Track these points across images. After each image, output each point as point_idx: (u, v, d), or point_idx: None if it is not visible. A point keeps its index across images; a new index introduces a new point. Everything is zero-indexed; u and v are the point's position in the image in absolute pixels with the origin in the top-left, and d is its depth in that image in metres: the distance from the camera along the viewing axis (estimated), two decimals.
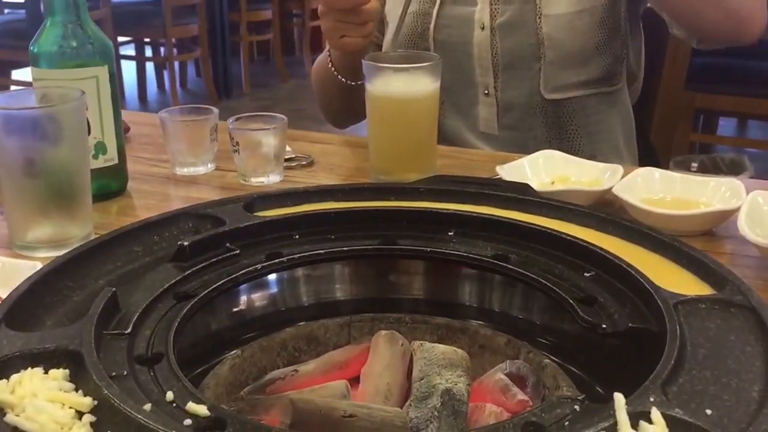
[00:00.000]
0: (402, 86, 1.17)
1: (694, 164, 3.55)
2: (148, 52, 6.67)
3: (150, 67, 6.73)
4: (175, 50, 6.18)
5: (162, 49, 6.51)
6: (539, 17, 1.49)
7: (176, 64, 6.33)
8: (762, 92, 3.34)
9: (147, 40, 6.57)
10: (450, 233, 0.92)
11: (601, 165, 1.21)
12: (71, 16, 1.14)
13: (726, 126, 4.83)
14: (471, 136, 1.59)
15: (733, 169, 3.59)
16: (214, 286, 0.80)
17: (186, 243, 0.83)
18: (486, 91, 1.57)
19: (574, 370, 0.82)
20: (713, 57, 2.12)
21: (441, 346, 0.80)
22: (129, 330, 0.70)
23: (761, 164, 3.85)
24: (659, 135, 2.45)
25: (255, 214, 0.93)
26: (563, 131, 1.55)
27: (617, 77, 1.58)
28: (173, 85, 6.04)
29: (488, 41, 1.54)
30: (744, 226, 0.94)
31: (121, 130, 1.21)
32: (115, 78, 1.18)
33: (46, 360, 0.64)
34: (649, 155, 1.82)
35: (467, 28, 1.55)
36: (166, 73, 6.50)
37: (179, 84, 6.39)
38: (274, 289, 0.90)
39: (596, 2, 1.50)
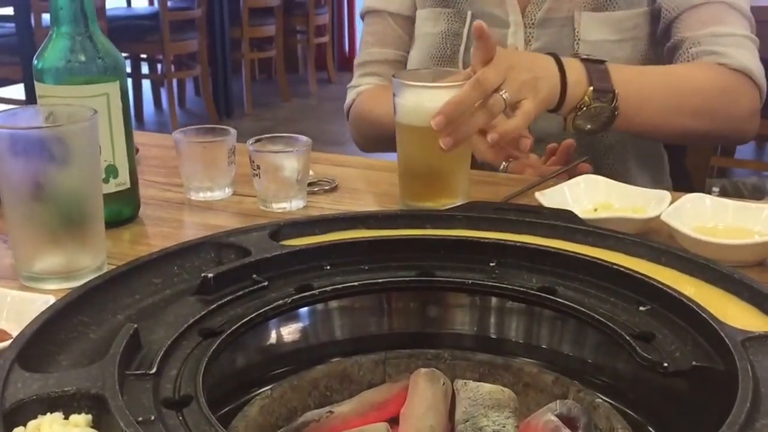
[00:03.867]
0: (435, 104, 1.16)
1: (716, 189, 3.54)
2: (145, 69, 6.68)
3: (147, 84, 6.74)
4: (173, 67, 6.19)
5: (159, 66, 6.51)
6: (577, 43, 1.49)
7: (174, 81, 6.34)
8: None
9: (143, 56, 6.58)
10: (491, 264, 0.91)
11: (646, 191, 1.20)
12: (79, 27, 1.12)
13: (743, 149, 4.82)
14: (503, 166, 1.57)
15: (755, 194, 3.58)
16: (242, 321, 0.79)
17: (210, 275, 0.83)
18: None
19: (629, 411, 0.80)
20: None
21: (486, 385, 0.79)
22: (154, 370, 0.69)
23: None
24: (693, 161, 2.44)
25: (281, 242, 0.93)
26: (599, 165, 1.53)
27: None
28: (171, 104, 6.05)
29: None
30: None
31: (133, 152, 1.20)
32: (127, 95, 1.17)
33: (66, 404, 0.63)
34: (684, 181, 1.81)
35: None
36: (163, 92, 6.52)
37: (177, 103, 6.40)
38: (304, 324, 0.89)
39: (639, 33, 1.50)
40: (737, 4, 1.44)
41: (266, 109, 6.69)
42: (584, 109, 1.29)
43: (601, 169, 1.52)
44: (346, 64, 7.97)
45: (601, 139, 1.53)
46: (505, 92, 1.17)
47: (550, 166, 1.43)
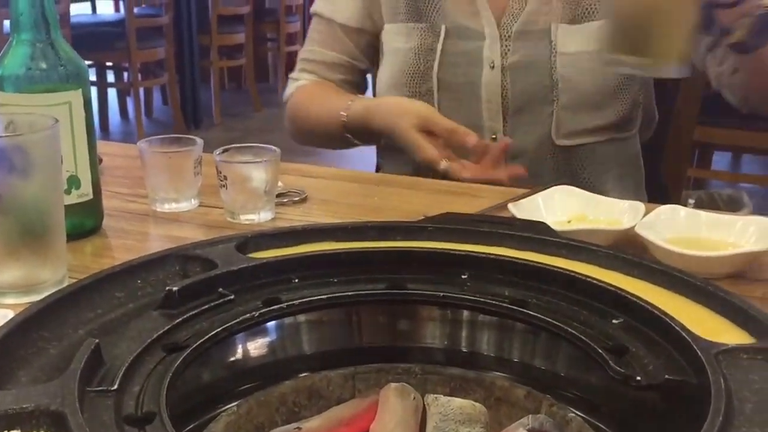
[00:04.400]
0: None
1: (692, 200, 3.57)
2: (111, 78, 6.66)
3: (112, 93, 6.71)
4: (139, 75, 6.16)
5: (126, 74, 6.49)
6: (554, 56, 1.49)
7: (141, 90, 6.32)
8: (759, 125, 3.36)
9: (109, 64, 6.55)
10: (463, 276, 0.91)
11: (621, 202, 1.20)
12: (40, 34, 1.11)
13: (720, 160, 4.86)
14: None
15: (731, 205, 3.60)
16: (207, 336, 0.78)
17: (175, 288, 0.82)
18: (494, 136, 1.56)
19: (601, 425, 0.81)
20: (708, 89, 2.16)
21: (457, 399, 0.79)
22: (115, 386, 0.68)
23: (758, 200, 3.88)
24: (670, 172, 2.46)
25: (249, 255, 0.92)
26: (575, 180, 1.54)
27: (633, 123, 1.58)
28: (138, 114, 6.03)
29: (498, 82, 1.53)
30: None
31: (96, 163, 1.19)
32: (90, 104, 1.16)
33: (25, 421, 0.62)
34: (660, 193, 1.82)
35: (475, 67, 1.54)
36: (129, 101, 6.49)
37: (144, 112, 6.38)
38: (271, 338, 0.89)
39: None
40: None
41: (236, 119, 6.68)
42: None
43: (577, 182, 1.52)
44: None
45: (578, 153, 1.54)
46: None
47: (485, 169, 1.43)
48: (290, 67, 6.77)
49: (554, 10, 1.50)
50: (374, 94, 1.73)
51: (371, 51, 1.72)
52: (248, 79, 7.07)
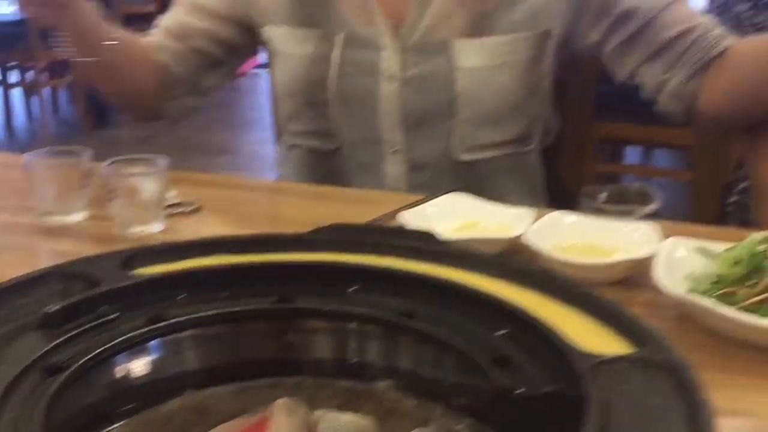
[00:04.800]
0: None
1: (603, 195, 3.62)
2: (15, 77, 6.52)
3: (17, 93, 6.58)
4: (44, 75, 6.05)
5: (30, 74, 6.37)
6: (454, 70, 1.48)
7: (47, 90, 6.20)
8: (665, 120, 3.43)
9: (13, 63, 6.42)
10: (351, 289, 0.91)
11: (511, 209, 1.22)
12: None
13: (632, 154, 4.95)
14: None
15: (640, 199, 3.68)
16: (89, 356, 0.77)
17: (55, 308, 0.80)
18: (394, 149, 1.54)
19: None
20: (613, 85, 2.19)
21: (345, 415, 0.79)
22: None
23: (668, 193, 3.96)
24: (569, 168, 2.50)
25: (134, 271, 0.91)
26: (477, 193, 1.54)
27: (532, 138, 1.60)
28: (43, 114, 5.92)
29: (397, 94, 1.51)
30: (661, 276, 0.96)
31: None
32: None
33: None
34: (561, 194, 1.84)
35: (373, 78, 1.51)
36: (35, 100, 6.37)
37: (51, 112, 6.26)
38: (157, 356, 0.87)
39: (518, 57, 1.50)
40: None
41: None
42: None
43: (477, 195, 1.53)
44: None
45: (478, 167, 1.54)
46: None
47: None
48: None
49: (454, 24, 1.48)
50: (274, 99, 1.69)
51: (234, 45, 1.69)
52: None
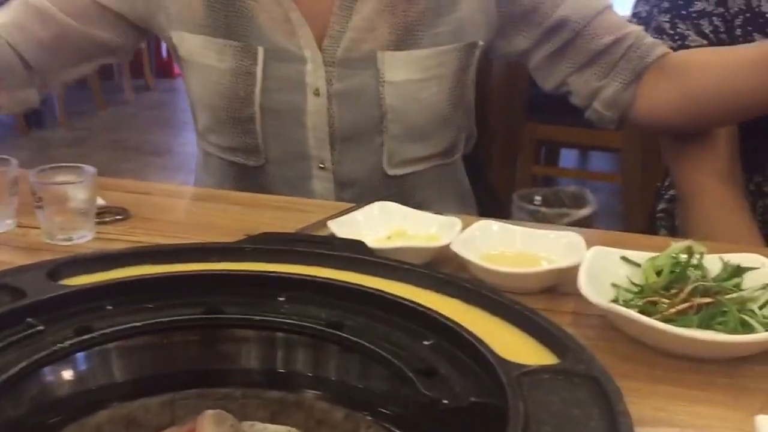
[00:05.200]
0: None
1: (538, 198, 3.65)
2: None
3: None
4: None
5: None
6: (382, 85, 1.46)
7: None
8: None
9: None
10: (280, 298, 0.91)
11: (439, 217, 1.22)
12: None
13: (567, 157, 4.99)
14: None
15: (575, 202, 3.71)
16: (15, 370, 0.76)
17: None
18: (321, 165, 1.51)
19: None
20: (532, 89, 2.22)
21: (273, 426, 0.80)
22: None
23: (603, 196, 4.00)
24: (501, 172, 2.52)
25: (61, 282, 0.91)
26: (408, 203, 1.53)
27: (457, 148, 1.60)
28: None
29: (324, 110, 1.47)
30: (585, 285, 0.97)
31: None
32: None
33: None
34: (491, 198, 1.86)
35: (298, 93, 1.47)
36: None
37: None
38: (84, 368, 0.87)
39: (445, 70, 1.49)
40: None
41: (80, 118, 6.52)
42: None
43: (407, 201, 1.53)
44: (164, 70, 7.85)
45: (407, 181, 1.55)
46: None
47: None
48: (134, 65, 6.62)
49: (378, 36, 1.46)
50: (191, 104, 1.62)
51: (111, 44, 1.57)
52: (91, 78, 6.90)
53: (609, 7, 1.52)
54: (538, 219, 1.41)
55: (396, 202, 1.44)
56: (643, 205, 1.95)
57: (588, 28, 1.49)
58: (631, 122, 1.56)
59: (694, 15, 1.55)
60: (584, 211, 3.89)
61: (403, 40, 1.46)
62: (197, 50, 1.49)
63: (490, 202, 1.82)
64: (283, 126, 1.49)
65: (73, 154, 5.23)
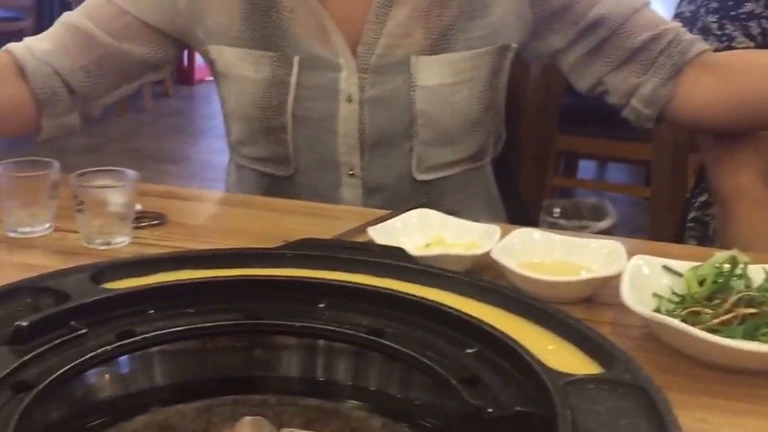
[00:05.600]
0: None
1: (557, 210, 3.64)
2: None
3: None
4: None
5: None
6: (413, 90, 1.46)
7: None
8: (623, 134, 3.45)
9: None
10: (321, 305, 0.91)
11: (478, 225, 1.22)
12: None
13: (586, 168, 4.96)
14: None
15: (595, 214, 3.70)
16: (58, 373, 0.77)
17: (24, 323, 0.80)
18: (351, 172, 1.52)
19: None
20: (573, 98, 2.20)
21: None
22: None
23: (622, 208, 3.99)
24: (530, 181, 2.51)
25: (103, 285, 0.91)
26: (437, 207, 1.53)
27: (487, 152, 1.60)
28: None
29: (356, 116, 1.48)
30: (627, 295, 0.96)
31: None
32: None
33: None
34: (520, 207, 1.85)
35: (331, 100, 1.48)
36: None
37: None
38: (125, 372, 0.87)
39: (478, 73, 1.49)
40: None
41: (98, 125, 6.51)
42: None
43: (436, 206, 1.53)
44: (184, 77, 7.86)
45: (436, 185, 1.54)
46: None
47: None
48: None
49: (413, 41, 1.46)
50: (225, 117, 1.62)
51: (152, 62, 1.57)
52: None
53: (646, 4, 1.51)
54: (557, 231, 1.40)
55: (424, 207, 1.45)
56: (671, 217, 1.94)
57: (625, 26, 1.48)
58: (670, 120, 1.54)
59: (743, 16, 1.54)
60: (604, 224, 3.87)
61: (437, 45, 1.47)
62: (235, 62, 1.51)
63: (519, 211, 1.82)
64: (314, 134, 1.50)
65: (89, 161, 5.21)
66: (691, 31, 1.52)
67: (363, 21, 1.46)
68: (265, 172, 1.56)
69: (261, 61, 1.48)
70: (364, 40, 1.46)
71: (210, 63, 1.56)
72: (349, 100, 1.47)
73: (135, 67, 1.56)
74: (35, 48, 1.49)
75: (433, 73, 1.47)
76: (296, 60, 1.46)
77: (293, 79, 1.47)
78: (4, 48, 1.50)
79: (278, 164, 1.54)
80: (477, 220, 1.26)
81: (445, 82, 1.47)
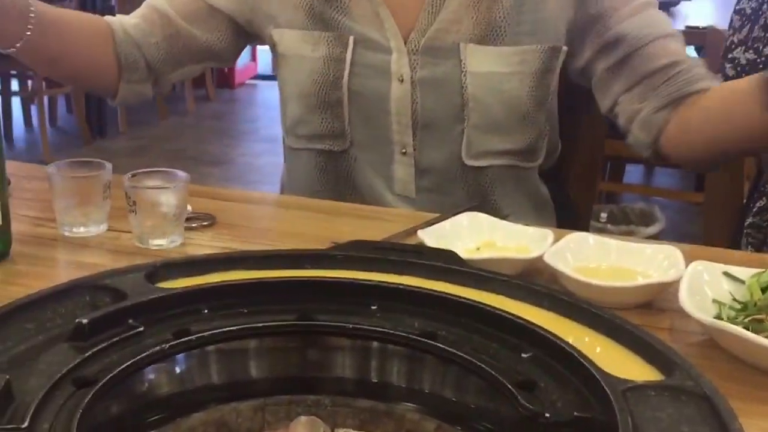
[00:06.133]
0: None
1: (603, 215, 3.62)
2: (15, 86, 6.52)
3: (16, 102, 6.57)
4: (44, 84, 6.05)
5: (30, 83, 6.36)
6: (464, 75, 1.50)
7: (45, 99, 6.20)
8: None
9: (13, 72, 6.41)
10: (373, 307, 0.91)
11: (529, 229, 1.22)
12: None
13: (632, 172, 4.91)
14: (388, 196, 1.58)
15: (643, 219, 3.67)
16: (118, 370, 0.78)
17: (85, 321, 0.81)
18: (403, 150, 1.56)
19: None
20: None
21: None
22: (26, 424, 0.67)
23: (669, 213, 3.94)
24: (581, 185, 2.49)
25: (158, 285, 0.92)
26: (485, 200, 1.56)
27: (537, 154, 1.61)
28: (42, 123, 5.90)
29: (408, 96, 1.53)
30: (687, 302, 0.96)
31: (5, 189, 1.17)
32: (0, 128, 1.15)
33: None
34: (570, 212, 1.85)
35: (384, 80, 1.53)
36: (33, 109, 6.36)
37: (48, 121, 6.25)
38: (181, 370, 0.88)
39: (527, 68, 1.52)
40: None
41: (141, 128, 6.59)
42: None
43: (487, 204, 1.55)
44: (225, 80, 7.91)
45: (486, 174, 1.55)
46: None
47: None
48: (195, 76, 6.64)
49: (463, 29, 1.51)
50: (282, 100, 1.68)
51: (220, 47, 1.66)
52: None
53: (674, 35, 1.52)
54: (605, 236, 1.39)
55: (474, 195, 1.52)
56: (726, 223, 1.92)
57: (645, 49, 1.49)
58: (663, 154, 1.54)
59: None
60: (652, 229, 3.82)
61: (486, 35, 1.51)
62: (295, 44, 1.58)
63: (569, 216, 1.81)
64: (369, 110, 1.55)
65: (133, 164, 5.23)
66: (752, 29, 1.51)
67: (417, 10, 1.52)
68: (321, 149, 1.61)
69: (319, 41, 1.55)
70: (417, 27, 1.52)
71: (272, 46, 1.64)
72: (401, 80, 1.52)
73: (199, 51, 1.66)
74: (124, 20, 1.63)
75: (483, 61, 1.50)
76: (351, 39, 1.54)
77: (348, 56, 1.54)
78: (101, 17, 1.65)
79: (335, 139, 1.59)
80: (527, 224, 1.26)
81: (495, 70, 1.50)
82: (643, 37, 1.49)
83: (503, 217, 1.30)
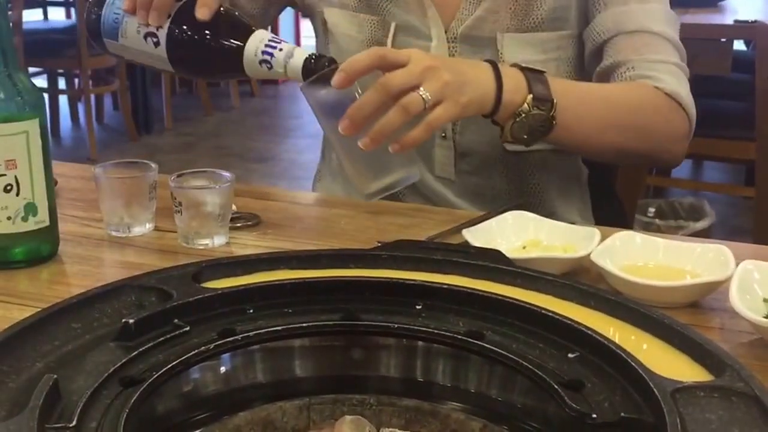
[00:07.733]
0: None
1: (651, 209, 3.58)
2: (62, 84, 6.59)
3: (63, 100, 6.65)
4: (90, 82, 6.11)
5: (77, 81, 6.43)
6: (501, 62, 1.48)
7: (92, 97, 6.26)
8: (719, 133, 3.39)
9: (60, 70, 6.49)
10: (418, 306, 0.91)
11: (575, 228, 1.21)
12: None
13: (680, 167, 4.84)
14: (428, 178, 1.58)
15: (692, 214, 3.63)
16: (164, 369, 0.78)
17: (131, 320, 0.82)
18: (443, 134, 1.57)
19: None
20: None
21: None
22: (74, 422, 0.69)
23: (718, 208, 3.89)
24: (626, 180, 2.48)
25: (203, 284, 0.92)
26: (525, 185, 1.56)
27: None
28: (89, 120, 5.96)
29: None
30: (737, 301, 0.95)
31: (53, 190, 1.18)
32: (47, 131, 1.16)
33: None
34: (615, 207, 1.84)
35: None
36: (81, 107, 6.43)
37: (95, 119, 6.31)
38: (227, 369, 0.89)
39: (563, 54, 1.53)
40: (669, 35, 1.48)
41: (187, 124, 6.62)
42: (522, 116, 1.30)
43: (527, 189, 1.56)
44: None
45: (526, 160, 1.55)
46: (425, 91, 1.18)
47: None
48: None
49: (500, 19, 1.52)
50: None
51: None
52: (199, 84, 7.02)
53: (637, 32, 1.49)
54: (651, 231, 1.38)
55: (515, 180, 1.52)
56: None
57: (602, 46, 1.49)
58: None
59: None
60: (701, 224, 3.76)
61: (523, 23, 1.51)
62: (342, 23, 1.62)
63: (614, 210, 1.80)
64: None
65: (179, 160, 5.29)
66: None
67: (459, 1, 1.53)
68: None
69: (363, 23, 1.58)
70: (458, 17, 1.53)
71: (322, 23, 1.66)
72: None
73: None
74: None
75: (519, 49, 1.51)
76: (393, 25, 1.55)
77: (389, 41, 1.55)
78: None
79: None
80: (573, 222, 1.25)
81: (531, 58, 1.48)
82: (603, 32, 1.49)
83: (550, 216, 1.29)
